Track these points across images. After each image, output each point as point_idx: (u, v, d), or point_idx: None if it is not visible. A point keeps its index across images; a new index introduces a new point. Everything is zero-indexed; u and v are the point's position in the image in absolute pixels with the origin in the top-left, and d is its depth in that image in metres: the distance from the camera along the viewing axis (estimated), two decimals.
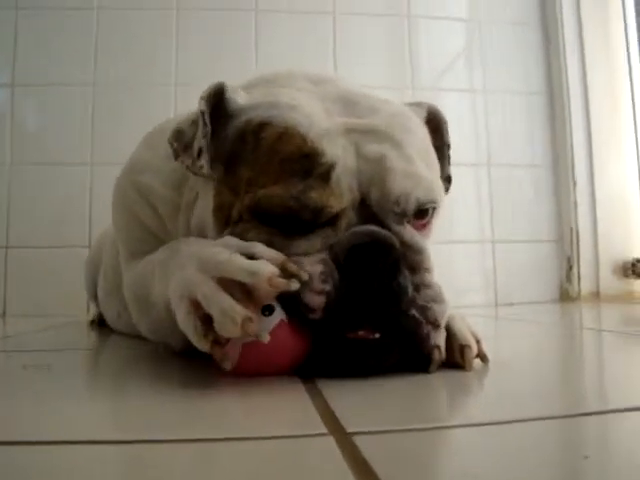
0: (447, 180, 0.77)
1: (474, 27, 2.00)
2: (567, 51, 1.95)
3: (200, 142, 0.64)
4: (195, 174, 0.66)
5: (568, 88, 1.94)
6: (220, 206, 0.64)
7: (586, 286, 1.88)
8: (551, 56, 2.01)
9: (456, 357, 0.62)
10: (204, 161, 0.64)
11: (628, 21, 1.93)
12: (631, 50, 1.92)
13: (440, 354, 0.60)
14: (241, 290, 0.55)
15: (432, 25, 1.97)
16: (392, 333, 0.57)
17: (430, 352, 0.60)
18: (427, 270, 0.61)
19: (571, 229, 1.91)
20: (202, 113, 0.65)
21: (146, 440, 0.39)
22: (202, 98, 0.65)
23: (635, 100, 1.90)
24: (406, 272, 0.58)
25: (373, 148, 0.61)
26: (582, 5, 1.96)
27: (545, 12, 2.03)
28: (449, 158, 0.78)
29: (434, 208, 0.65)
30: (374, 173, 0.60)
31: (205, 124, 0.65)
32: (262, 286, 0.53)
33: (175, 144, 0.66)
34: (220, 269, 0.55)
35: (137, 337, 0.90)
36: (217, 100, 0.66)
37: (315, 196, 0.57)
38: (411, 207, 0.61)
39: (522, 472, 0.32)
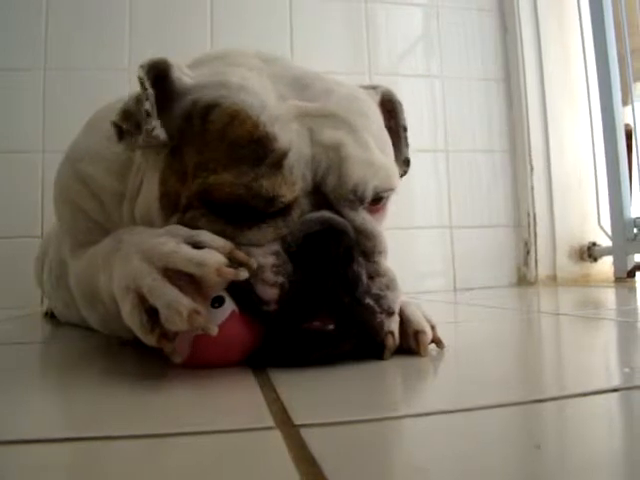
0: (405, 163, 0.77)
1: (432, 13, 1.99)
2: (524, 38, 1.97)
3: (145, 105, 0.60)
4: (149, 146, 0.62)
5: (525, 74, 1.96)
6: (166, 193, 0.61)
7: (543, 270, 1.90)
8: (508, 42, 2.02)
9: (411, 343, 0.61)
10: (155, 123, 0.60)
11: (582, 10, 1.95)
12: (585, 37, 1.94)
13: (394, 340, 0.60)
14: (188, 281, 0.52)
15: (390, 10, 1.96)
16: (346, 322, 0.56)
17: (384, 339, 0.59)
18: (380, 253, 0.60)
19: (528, 214, 1.93)
20: (140, 79, 0.61)
21: (95, 437, 0.37)
22: (141, 66, 0.62)
23: (589, 86, 1.92)
24: (360, 259, 0.58)
25: (328, 134, 0.59)
26: None
27: None
28: (406, 140, 0.76)
29: (389, 194, 0.64)
30: (331, 161, 0.58)
31: (145, 88, 0.61)
32: (210, 277, 0.52)
33: (125, 125, 0.62)
34: (165, 260, 0.53)
35: (88, 328, 0.88)
36: (161, 79, 0.62)
37: (267, 184, 0.55)
38: (368, 195, 0.60)
39: (472, 464, 0.31)
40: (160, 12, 1.80)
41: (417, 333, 0.61)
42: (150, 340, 0.52)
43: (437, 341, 0.63)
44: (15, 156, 1.70)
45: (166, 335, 0.52)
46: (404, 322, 0.62)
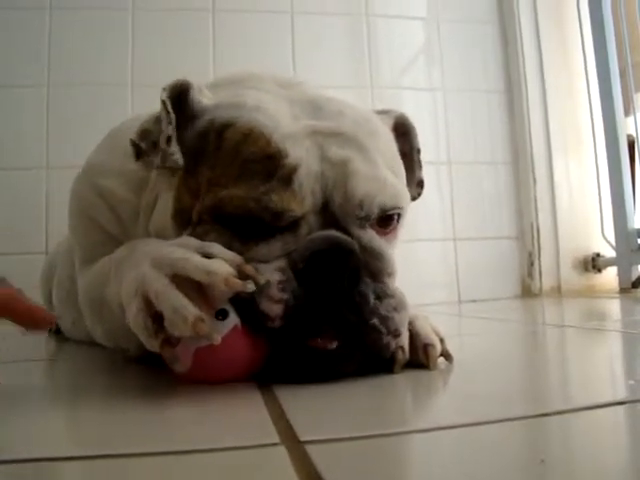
0: (419, 185, 0.77)
1: (433, 25, 2.00)
2: (525, 49, 1.97)
3: (167, 130, 0.62)
4: (164, 167, 0.64)
5: (526, 85, 1.96)
6: (180, 210, 0.62)
7: (548, 281, 1.90)
8: (509, 54, 2.03)
9: (420, 356, 0.61)
10: (175, 149, 0.62)
11: (583, 19, 1.96)
12: (586, 47, 1.94)
13: (404, 354, 0.60)
14: (195, 290, 0.53)
15: (391, 24, 1.97)
16: (352, 342, 0.56)
17: (393, 353, 0.59)
18: (389, 275, 0.60)
19: (532, 225, 1.93)
20: (163, 102, 0.63)
21: (100, 455, 0.37)
22: (164, 89, 0.63)
23: (591, 96, 1.93)
24: (367, 280, 0.57)
25: (338, 151, 0.60)
26: (538, 4, 1.98)
27: (503, 10, 2.04)
28: (420, 162, 0.77)
29: (399, 215, 0.64)
30: (338, 176, 0.59)
31: (168, 112, 0.62)
32: (217, 285, 0.52)
33: (142, 144, 0.64)
34: (175, 266, 0.54)
35: (93, 344, 0.88)
36: (180, 99, 0.64)
37: (276, 199, 0.56)
38: (375, 210, 0.60)
39: (478, 479, 0.31)
40: (162, 27, 1.81)
41: (426, 347, 0.61)
42: (153, 345, 0.53)
43: (446, 354, 0.63)
44: (19, 173, 1.70)
45: (169, 341, 0.52)
46: (413, 336, 0.62)
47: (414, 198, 0.75)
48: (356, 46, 1.94)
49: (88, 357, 0.87)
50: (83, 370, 0.79)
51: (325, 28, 1.92)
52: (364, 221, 0.60)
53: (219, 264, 0.53)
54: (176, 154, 0.62)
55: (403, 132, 0.75)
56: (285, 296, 0.54)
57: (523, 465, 0.33)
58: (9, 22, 1.74)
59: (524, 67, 1.97)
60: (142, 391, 0.59)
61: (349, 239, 0.58)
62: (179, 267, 0.54)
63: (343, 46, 1.94)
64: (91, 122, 1.61)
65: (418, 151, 0.77)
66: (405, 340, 0.60)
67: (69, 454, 0.39)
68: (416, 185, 0.77)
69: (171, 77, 0.67)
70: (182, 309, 0.51)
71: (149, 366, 0.65)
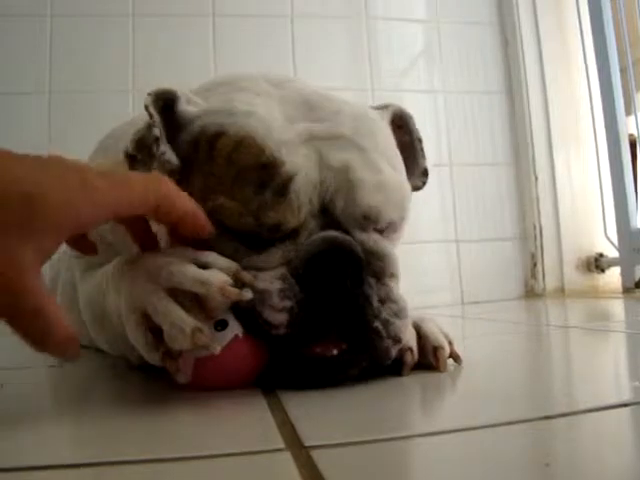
0: (424, 174, 0.76)
1: (433, 28, 2.00)
2: (525, 49, 1.97)
3: (154, 132, 0.60)
4: (161, 172, 0.62)
5: (527, 86, 1.96)
6: None
7: (551, 282, 1.89)
8: (509, 55, 2.02)
9: (429, 359, 0.61)
10: (164, 147, 0.61)
11: (583, 20, 1.95)
12: (586, 48, 1.94)
13: (413, 356, 0.60)
14: (193, 300, 0.53)
15: (391, 26, 1.97)
16: (355, 345, 0.56)
17: (402, 355, 0.59)
18: (392, 276, 0.60)
19: (534, 226, 1.93)
20: (146, 107, 0.61)
21: (104, 462, 0.37)
22: (148, 94, 0.62)
23: (592, 95, 1.92)
24: (371, 281, 0.57)
25: (337, 156, 0.58)
26: (538, 5, 1.98)
27: (502, 12, 2.04)
28: (422, 151, 0.76)
29: (403, 218, 0.64)
30: (340, 184, 0.58)
31: (151, 115, 0.61)
32: (214, 296, 0.52)
33: (139, 155, 0.63)
34: (170, 278, 0.53)
35: (97, 350, 0.88)
36: (168, 108, 0.63)
37: (272, 214, 0.55)
38: (382, 225, 0.60)
39: None
40: (163, 33, 1.81)
41: (435, 349, 0.61)
42: (154, 359, 0.53)
43: (455, 356, 0.63)
44: None
45: (170, 354, 0.53)
46: (422, 338, 0.62)
47: (418, 188, 0.74)
48: (356, 49, 1.93)
49: (92, 364, 0.87)
50: (87, 377, 0.79)
51: (325, 31, 1.91)
52: (368, 226, 0.59)
53: (214, 274, 0.53)
54: (167, 153, 0.60)
55: (401, 124, 0.74)
56: (288, 304, 0.54)
57: (528, 468, 0.33)
58: (9, 29, 1.74)
59: (524, 68, 1.97)
60: (145, 398, 0.59)
61: (348, 238, 0.57)
62: (175, 279, 0.53)
63: (343, 49, 1.93)
64: (92, 129, 1.60)
65: (419, 140, 0.75)
66: (413, 342, 0.60)
67: (73, 461, 0.38)
68: (421, 174, 0.75)
69: (173, 82, 0.66)
70: (180, 321, 0.50)
71: (152, 373, 0.65)
